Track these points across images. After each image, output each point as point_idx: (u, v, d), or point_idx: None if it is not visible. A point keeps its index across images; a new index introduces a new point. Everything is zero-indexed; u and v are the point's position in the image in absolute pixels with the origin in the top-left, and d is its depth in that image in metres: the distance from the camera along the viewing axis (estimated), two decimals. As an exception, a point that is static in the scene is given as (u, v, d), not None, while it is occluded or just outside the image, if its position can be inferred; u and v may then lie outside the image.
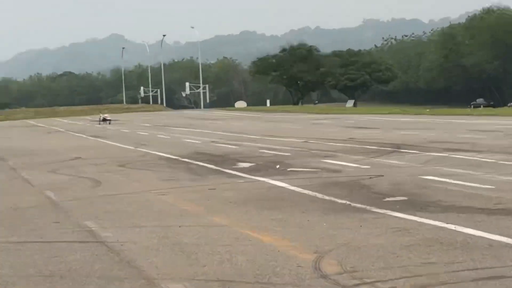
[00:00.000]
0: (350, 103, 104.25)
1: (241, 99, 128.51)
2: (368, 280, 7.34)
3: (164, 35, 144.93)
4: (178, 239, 9.95)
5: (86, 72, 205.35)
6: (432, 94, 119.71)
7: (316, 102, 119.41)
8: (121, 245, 9.72)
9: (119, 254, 9.18)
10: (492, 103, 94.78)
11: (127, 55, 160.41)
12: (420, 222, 10.37)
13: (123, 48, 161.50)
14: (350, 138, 29.60)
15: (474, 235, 9.27)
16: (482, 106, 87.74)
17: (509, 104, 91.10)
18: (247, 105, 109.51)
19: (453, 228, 9.76)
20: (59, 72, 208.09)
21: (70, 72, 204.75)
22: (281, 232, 10.16)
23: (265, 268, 8.07)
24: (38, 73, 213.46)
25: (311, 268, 7.98)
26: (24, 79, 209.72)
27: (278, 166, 18.76)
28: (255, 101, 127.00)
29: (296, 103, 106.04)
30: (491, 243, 8.76)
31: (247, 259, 8.57)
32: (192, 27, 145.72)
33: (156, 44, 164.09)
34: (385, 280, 7.33)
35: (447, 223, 10.12)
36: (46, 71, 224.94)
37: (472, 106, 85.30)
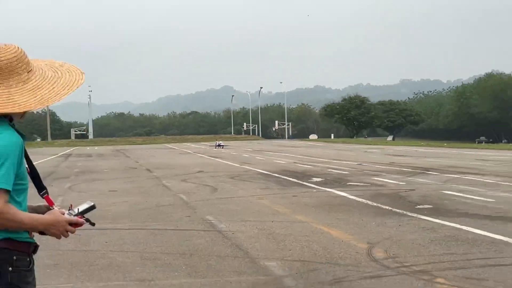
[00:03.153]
0: (390, 138, 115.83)
1: (314, 133, 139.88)
2: (406, 264, 7.83)
3: (261, 87, 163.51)
4: (271, 231, 10.48)
5: (207, 112, 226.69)
6: (448, 133, 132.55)
7: (366, 136, 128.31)
8: (232, 233, 10.18)
9: (231, 240, 9.61)
10: (491, 140, 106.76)
11: (235, 100, 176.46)
12: (442, 224, 10.91)
13: (232, 95, 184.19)
14: (391, 163, 30.75)
15: (481, 234, 9.84)
16: (484, 142, 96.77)
17: (503, 141, 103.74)
18: (318, 137, 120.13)
19: (466, 229, 10.33)
20: (188, 111, 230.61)
21: (195, 112, 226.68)
22: (344, 228, 10.68)
23: (333, 253, 8.53)
24: (173, 112, 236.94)
25: (365, 254, 8.46)
26: (163, 115, 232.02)
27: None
28: (323, 135, 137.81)
29: (352, 137, 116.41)
30: (493, 240, 9.32)
31: (320, 246, 9.03)
32: (281, 82, 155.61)
33: (255, 93, 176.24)
34: (417, 264, 7.84)
35: (461, 225, 10.71)
36: (178, 110, 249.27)
37: (477, 142, 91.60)
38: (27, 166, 2.99)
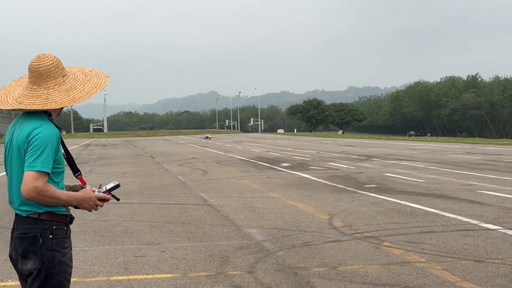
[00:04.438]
0: (340, 132, 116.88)
1: (281, 128, 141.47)
2: (359, 231, 7.77)
3: (239, 92, 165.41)
4: (251, 205, 10.36)
5: (197, 111, 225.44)
6: (385, 128, 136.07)
7: (321, 131, 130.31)
8: (221, 207, 10.02)
9: (220, 212, 9.48)
10: (418, 134, 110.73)
11: (219, 102, 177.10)
12: (385, 199, 10.91)
13: (217, 98, 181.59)
14: (342, 151, 30.79)
15: (416, 207, 9.84)
16: (413, 135, 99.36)
17: (428, 135, 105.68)
18: (284, 132, 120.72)
19: (404, 203, 10.31)
20: (182, 111, 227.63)
21: (188, 111, 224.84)
22: (308, 202, 10.59)
23: (301, 222, 8.44)
24: (170, 111, 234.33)
25: (326, 223, 8.36)
26: (163, 114, 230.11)
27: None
28: (288, 130, 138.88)
29: (310, 131, 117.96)
30: (426, 212, 9.33)
31: (291, 217, 8.95)
32: (255, 88, 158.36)
33: (235, 97, 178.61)
34: (368, 231, 7.79)
35: (400, 200, 10.67)
36: (174, 110, 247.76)
37: (408, 135, 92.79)
38: (64, 152, 2.84)
